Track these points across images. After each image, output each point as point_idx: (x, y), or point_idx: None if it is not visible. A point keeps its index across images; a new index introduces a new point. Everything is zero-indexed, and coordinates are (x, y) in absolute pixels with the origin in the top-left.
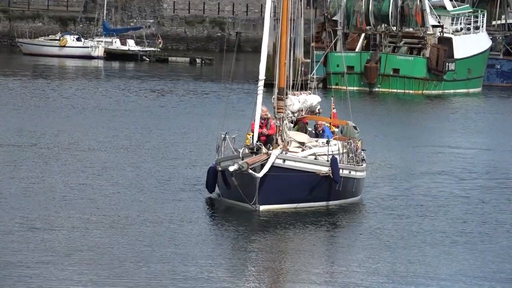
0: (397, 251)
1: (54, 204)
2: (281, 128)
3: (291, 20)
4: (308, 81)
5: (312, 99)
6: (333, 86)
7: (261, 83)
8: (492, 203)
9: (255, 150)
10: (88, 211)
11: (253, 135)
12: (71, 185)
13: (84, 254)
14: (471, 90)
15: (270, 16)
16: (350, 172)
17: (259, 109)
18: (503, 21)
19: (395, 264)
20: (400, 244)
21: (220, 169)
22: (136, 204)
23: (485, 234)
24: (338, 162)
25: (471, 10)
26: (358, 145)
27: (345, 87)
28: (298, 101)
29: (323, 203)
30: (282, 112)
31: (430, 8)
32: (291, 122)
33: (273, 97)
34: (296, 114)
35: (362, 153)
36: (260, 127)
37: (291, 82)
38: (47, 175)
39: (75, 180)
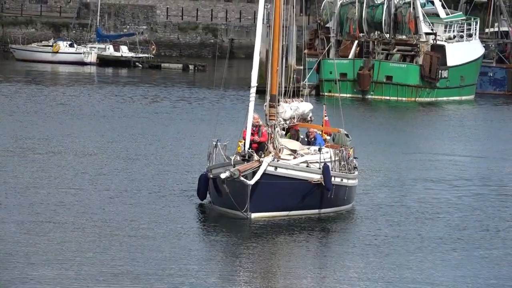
0: (389, 259)
1: (43, 209)
2: (272, 136)
3: (283, 27)
4: (301, 88)
5: (304, 106)
6: (326, 93)
7: (253, 90)
8: (485, 210)
9: (246, 158)
10: (77, 218)
11: (244, 142)
12: (61, 191)
13: (71, 261)
14: (464, 98)
15: (263, 23)
16: (342, 180)
17: (251, 116)
18: (496, 29)
19: (388, 271)
20: (392, 251)
21: (211, 176)
22: (126, 212)
23: (479, 241)
24: (330, 169)
25: (464, 18)
26: (350, 152)
27: (338, 94)
28: (290, 108)
29: (315, 211)
30: (274, 120)
31: (423, 16)
32: (283, 130)
33: (265, 104)
34: (288, 122)
35: (354, 161)
36: (252, 134)
37: (283, 89)
38: (38, 180)
39: (65, 186)
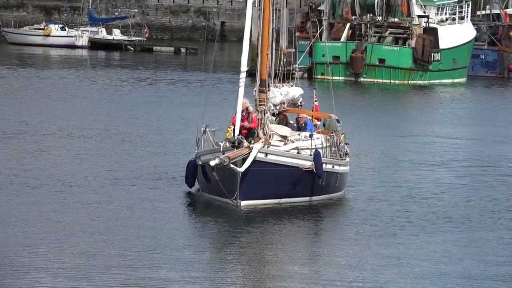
0: (382, 245)
1: (26, 191)
2: (262, 121)
3: (276, 10)
4: (291, 71)
5: (294, 91)
6: (319, 76)
7: (242, 75)
8: (478, 191)
9: (236, 144)
10: (60, 204)
11: (234, 128)
12: (45, 173)
13: (54, 251)
14: (456, 80)
15: (255, 6)
16: (333, 167)
17: (241, 101)
18: (488, 12)
19: (381, 258)
20: (384, 238)
21: (200, 163)
22: (112, 199)
23: (474, 226)
24: (322, 156)
25: (456, 0)
26: (341, 138)
27: (331, 77)
28: (280, 93)
29: (306, 198)
30: (264, 105)
31: None
32: (273, 115)
33: (255, 89)
34: (278, 107)
35: (346, 147)
36: (242, 120)
37: (273, 72)
38: (22, 163)
39: (49, 168)
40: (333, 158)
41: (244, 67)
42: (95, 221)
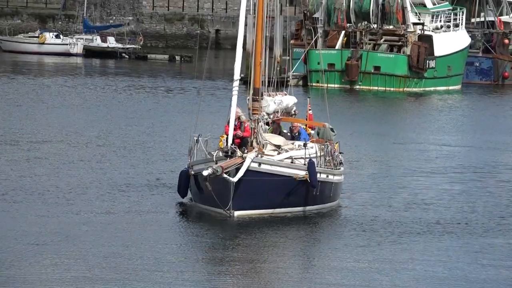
0: (377, 257)
1: (20, 197)
2: (256, 131)
3: (270, 17)
4: (285, 79)
5: (288, 100)
6: (314, 84)
7: (236, 84)
8: (474, 198)
9: (229, 154)
10: (49, 211)
11: (227, 138)
12: (37, 180)
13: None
14: (450, 88)
15: (250, 14)
16: (327, 176)
17: (234, 110)
18: (482, 19)
19: (376, 271)
20: (379, 249)
21: (192, 173)
22: (103, 209)
23: (471, 232)
24: (316, 165)
25: (451, 8)
26: (336, 147)
27: (326, 85)
28: (274, 102)
29: (300, 208)
30: (257, 114)
31: (411, 6)
32: (266, 124)
33: (248, 97)
34: (271, 116)
35: (340, 156)
36: (234, 129)
37: (266, 80)
38: (16, 170)
39: (41, 175)
40: (327, 168)
41: (237, 75)
42: (83, 229)
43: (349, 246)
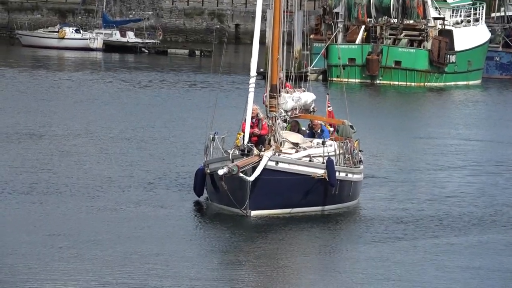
0: (398, 257)
1: (33, 192)
2: (273, 128)
3: (289, 12)
4: (303, 74)
5: (307, 96)
6: (334, 79)
7: (252, 80)
8: (496, 194)
9: (246, 152)
10: (65, 208)
11: (243, 135)
12: (55, 176)
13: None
14: (471, 83)
15: (269, 8)
16: (346, 175)
17: (251, 107)
18: (502, 13)
19: (397, 270)
20: (400, 249)
21: (208, 171)
22: (117, 206)
23: (497, 229)
24: (334, 164)
25: (471, 2)
26: (355, 145)
27: (346, 79)
28: (292, 99)
29: (318, 208)
30: (274, 111)
31: (431, 0)
32: (284, 121)
33: (265, 94)
34: (289, 113)
35: (360, 154)
36: (251, 127)
37: (284, 75)
38: (30, 164)
39: (58, 170)
40: (346, 166)
41: (253, 72)
42: (99, 228)
43: (368, 245)
